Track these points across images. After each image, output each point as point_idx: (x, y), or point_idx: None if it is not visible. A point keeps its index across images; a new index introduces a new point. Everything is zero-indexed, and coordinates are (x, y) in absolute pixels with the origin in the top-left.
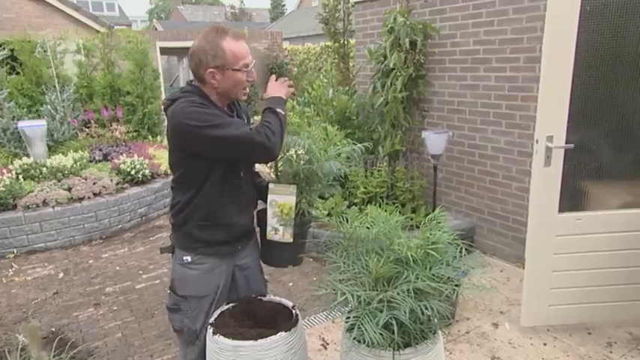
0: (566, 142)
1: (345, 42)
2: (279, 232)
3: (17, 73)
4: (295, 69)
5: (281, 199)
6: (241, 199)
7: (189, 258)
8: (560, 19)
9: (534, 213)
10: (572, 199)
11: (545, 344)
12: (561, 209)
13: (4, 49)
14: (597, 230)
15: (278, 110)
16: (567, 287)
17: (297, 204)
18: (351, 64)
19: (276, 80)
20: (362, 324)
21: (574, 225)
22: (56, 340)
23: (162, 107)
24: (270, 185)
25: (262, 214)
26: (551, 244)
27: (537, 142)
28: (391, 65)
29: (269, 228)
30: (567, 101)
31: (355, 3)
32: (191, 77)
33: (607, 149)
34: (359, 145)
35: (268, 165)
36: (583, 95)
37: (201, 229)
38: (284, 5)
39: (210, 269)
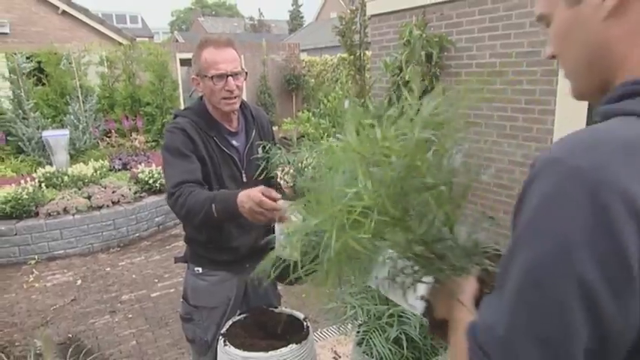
0: None
1: (361, 54)
2: (286, 249)
3: (43, 85)
4: (312, 80)
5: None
6: (243, 221)
7: (200, 269)
8: None
9: None
10: None
11: None
12: None
13: (31, 61)
14: None
15: (214, 208)
16: None
17: None
18: (367, 76)
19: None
20: (371, 338)
21: None
22: (72, 347)
23: None
24: (279, 202)
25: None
26: None
27: None
28: (407, 78)
29: (277, 244)
30: (585, 115)
31: (371, 16)
32: None
33: None
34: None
35: (286, 179)
36: None
37: (206, 250)
38: (302, 17)
39: (221, 281)
